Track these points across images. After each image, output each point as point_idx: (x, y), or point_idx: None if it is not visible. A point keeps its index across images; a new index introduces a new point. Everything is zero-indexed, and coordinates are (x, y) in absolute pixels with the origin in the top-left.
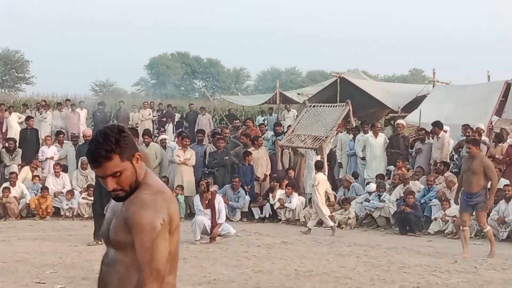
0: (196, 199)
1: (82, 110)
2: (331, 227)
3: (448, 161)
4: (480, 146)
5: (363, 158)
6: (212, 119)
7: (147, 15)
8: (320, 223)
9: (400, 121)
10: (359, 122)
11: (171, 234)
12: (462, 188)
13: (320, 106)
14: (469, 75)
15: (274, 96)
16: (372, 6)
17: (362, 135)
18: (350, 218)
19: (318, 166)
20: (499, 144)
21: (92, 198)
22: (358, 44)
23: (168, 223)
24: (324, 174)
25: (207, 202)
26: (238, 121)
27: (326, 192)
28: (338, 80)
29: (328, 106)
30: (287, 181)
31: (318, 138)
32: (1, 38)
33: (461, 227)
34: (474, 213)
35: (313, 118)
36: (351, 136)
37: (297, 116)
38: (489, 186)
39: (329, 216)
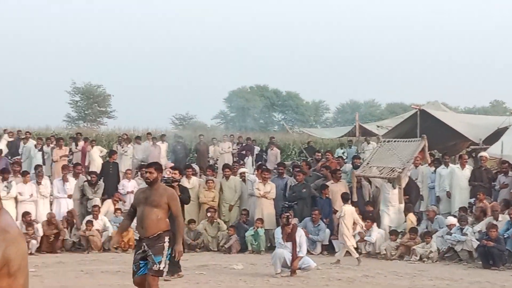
0: (277, 232)
1: (163, 144)
2: (357, 258)
3: None
4: None
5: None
6: (292, 152)
7: (225, 48)
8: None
9: (483, 153)
10: (440, 154)
11: (11, 276)
12: None
13: (395, 141)
14: None
15: (354, 129)
16: (451, 38)
17: (443, 167)
18: (432, 252)
19: (345, 198)
20: None
21: None
22: (437, 76)
23: (3, 264)
24: (400, 204)
25: (287, 235)
26: (319, 154)
27: (355, 223)
28: (418, 112)
29: (403, 141)
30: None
31: (394, 170)
32: (84, 73)
33: None
34: None
35: (387, 152)
36: (433, 168)
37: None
38: None
39: (354, 247)
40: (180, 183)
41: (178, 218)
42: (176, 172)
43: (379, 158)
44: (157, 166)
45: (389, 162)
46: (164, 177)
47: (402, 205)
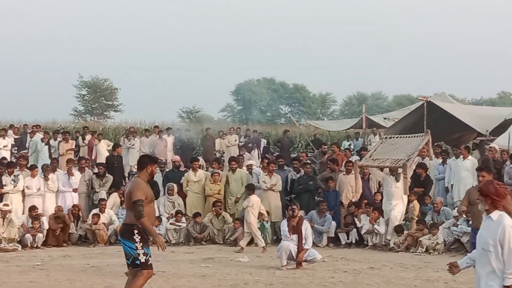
0: (283, 224)
1: (169, 137)
2: (263, 247)
3: None
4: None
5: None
6: (299, 144)
7: (232, 41)
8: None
9: (493, 144)
10: (448, 146)
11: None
12: None
13: (397, 137)
14: None
15: (360, 121)
16: (458, 29)
17: (453, 159)
18: (438, 243)
19: (251, 189)
20: None
21: (180, 224)
22: (445, 68)
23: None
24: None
25: (293, 227)
26: (326, 146)
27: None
28: (425, 104)
29: (406, 137)
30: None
31: (400, 160)
32: (91, 66)
33: None
34: None
35: (390, 147)
36: (440, 160)
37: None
38: None
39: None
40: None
41: None
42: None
43: (382, 152)
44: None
45: (393, 155)
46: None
47: (406, 197)
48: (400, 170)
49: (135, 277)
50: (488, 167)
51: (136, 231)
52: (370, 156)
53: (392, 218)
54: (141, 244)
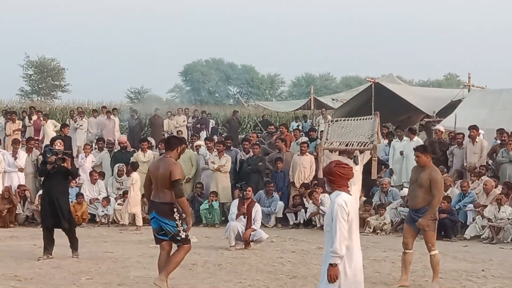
0: (233, 205)
1: (116, 117)
2: (138, 226)
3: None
4: (430, 154)
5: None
6: (247, 125)
7: (180, 21)
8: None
9: (438, 126)
10: (394, 127)
11: None
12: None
13: (345, 120)
14: (505, 79)
15: (309, 102)
16: (405, 12)
17: (397, 140)
18: (385, 224)
19: (134, 167)
20: None
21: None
22: (392, 49)
23: None
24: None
25: (243, 209)
26: (273, 127)
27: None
28: (373, 85)
29: (355, 119)
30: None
31: (366, 143)
32: (37, 46)
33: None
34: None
35: (341, 130)
36: (386, 141)
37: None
38: None
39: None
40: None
41: None
42: (62, 143)
43: (336, 135)
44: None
45: (351, 138)
46: (52, 149)
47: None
48: (356, 153)
49: (176, 251)
50: (424, 147)
51: (175, 209)
52: (327, 139)
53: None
54: (180, 221)
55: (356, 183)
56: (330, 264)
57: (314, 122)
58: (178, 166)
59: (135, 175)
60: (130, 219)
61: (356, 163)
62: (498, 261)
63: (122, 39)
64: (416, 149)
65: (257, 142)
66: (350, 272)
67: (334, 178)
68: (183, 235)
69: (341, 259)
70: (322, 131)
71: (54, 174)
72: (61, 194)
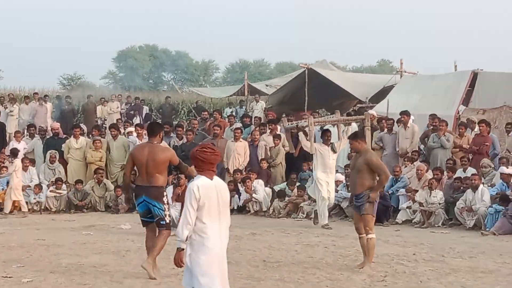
0: (168, 191)
1: (47, 104)
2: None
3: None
4: (363, 139)
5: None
6: (181, 112)
7: (114, 7)
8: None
9: (371, 111)
10: (329, 113)
11: None
12: None
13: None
14: (437, 65)
15: (243, 88)
16: None
17: (330, 126)
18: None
19: (14, 153)
20: (466, 134)
21: (60, 192)
22: (326, 36)
23: None
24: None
25: (178, 195)
26: (206, 113)
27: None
28: (306, 71)
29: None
30: (255, 174)
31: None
32: None
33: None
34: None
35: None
36: (319, 127)
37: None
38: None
39: None
40: None
41: None
42: None
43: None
44: None
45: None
46: None
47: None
48: (336, 144)
49: (158, 236)
50: (355, 134)
51: (165, 193)
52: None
53: (331, 190)
54: (167, 206)
55: (333, 172)
56: (177, 248)
57: (248, 108)
58: (170, 152)
59: (17, 162)
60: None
61: (334, 150)
62: (429, 244)
63: (54, 25)
64: (348, 137)
65: (190, 128)
66: (204, 260)
67: (195, 162)
68: (167, 219)
69: (184, 244)
70: (255, 117)
71: None
72: None
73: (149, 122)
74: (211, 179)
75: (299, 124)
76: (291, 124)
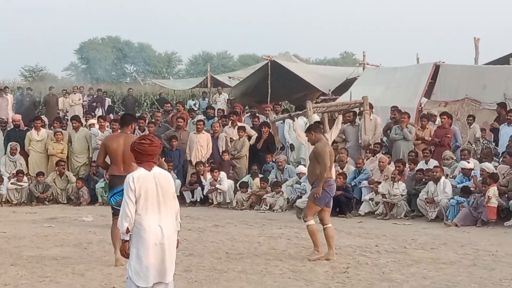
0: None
1: (8, 95)
2: None
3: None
4: (315, 131)
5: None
6: (144, 104)
7: None
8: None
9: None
10: (293, 106)
11: None
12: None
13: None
14: (399, 57)
15: (205, 80)
16: None
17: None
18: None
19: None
20: (428, 126)
21: (21, 184)
22: (290, 28)
23: None
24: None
25: None
26: (169, 105)
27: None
28: (269, 63)
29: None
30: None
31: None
32: None
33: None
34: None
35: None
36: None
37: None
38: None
39: None
40: None
41: None
42: None
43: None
44: None
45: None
46: None
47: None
48: (327, 134)
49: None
50: (309, 127)
51: None
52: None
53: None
54: None
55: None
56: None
57: (211, 100)
58: None
59: None
60: None
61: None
62: (391, 236)
63: (15, 16)
64: (305, 131)
65: (152, 120)
66: (140, 250)
67: (134, 153)
68: None
69: (127, 236)
70: (219, 109)
71: None
72: None
73: (123, 114)
74: (149, 170)
75: (291, 114)
76: (278, 116)
